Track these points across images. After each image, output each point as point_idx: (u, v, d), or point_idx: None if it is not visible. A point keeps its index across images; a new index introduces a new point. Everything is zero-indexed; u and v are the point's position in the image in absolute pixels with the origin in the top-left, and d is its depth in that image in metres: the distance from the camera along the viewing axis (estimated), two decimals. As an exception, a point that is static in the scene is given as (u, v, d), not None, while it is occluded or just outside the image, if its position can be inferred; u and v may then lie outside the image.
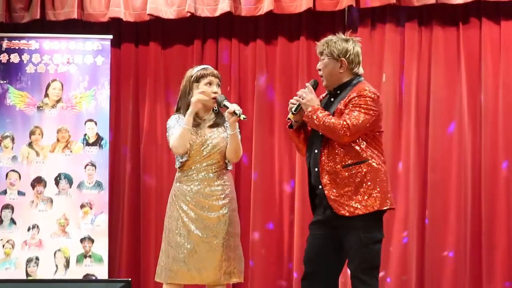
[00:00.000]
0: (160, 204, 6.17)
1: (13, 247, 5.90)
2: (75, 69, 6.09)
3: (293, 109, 4.05)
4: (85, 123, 6.05)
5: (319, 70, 4.13)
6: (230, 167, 4.45)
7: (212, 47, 6.27)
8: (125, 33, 6.40)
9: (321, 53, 4.12)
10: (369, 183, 3.97)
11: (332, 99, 4.11)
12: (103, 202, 5.99)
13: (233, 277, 4.37)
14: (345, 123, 3.92)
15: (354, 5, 5.83)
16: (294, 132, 4.16)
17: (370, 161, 3.99)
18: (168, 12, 6.11)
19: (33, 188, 5.97)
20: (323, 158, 3.99)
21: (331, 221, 4.01)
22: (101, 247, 5.93)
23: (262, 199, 6.09)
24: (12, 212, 5.94)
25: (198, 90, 4.35)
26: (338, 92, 4.10)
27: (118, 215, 6.25)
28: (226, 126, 4.40)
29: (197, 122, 4.39)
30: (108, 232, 6.00)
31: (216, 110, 4.45)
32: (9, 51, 6.05)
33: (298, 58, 6.11)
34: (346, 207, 3.94)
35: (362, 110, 3.96)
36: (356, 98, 3.99)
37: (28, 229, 5.92)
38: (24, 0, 6.24)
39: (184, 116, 4.37)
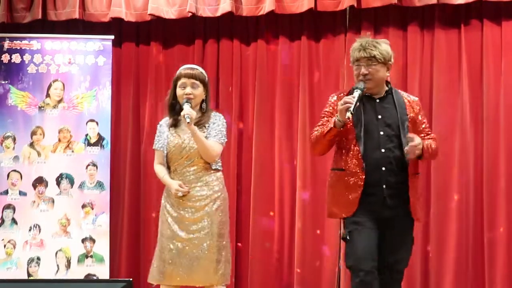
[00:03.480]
0: (161, 204, 6.17)
1: (14, 247, 5.91)
2: (76, 69, 6.09)
3: (351, 109, 3.99)
4: (86, 123, 6.05)
5: (366, 74, 4.12)
6: (215, 167, 4.44)
7: (213, 47, 6.27)
8: (126, 33, 6.40)
9: (373, 58, 4.12)
10: (420, 193, 4.27)
11: (378, 101, 4.18)
12: (105, 202, 5.99)
13: (219, 279, 4.36)
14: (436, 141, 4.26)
15: (355, 5, 5.83)
16: (337, 131, 4.10)
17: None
18: (169, 12, 6.11)
19: (35, 188, 5.97)
20: (408, 160, 4.11)
21: (389, 220, 4.10)
22: (103, 247, 5.93)
23: (262, 197, 6.09)
24: (14, 212, 5.94)
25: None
26: (384, 94, 4.20)
27: (119, 215, 6.25)
28: (208, 126, 4.41)
29: (176, 123, 4.42)
30: (109, 232, 6.00)
31: (203, 109, 4.46)
32: (11, 51, 6.05)
33: (299, 58, 6.10)
34: (418, 213, 4.17)
35: (428, 124, 4.32)
36: (422, 110, 4.29)
37: (30, 229, 5.92)
38: (25, 0, 6.25)
39: (169, 117, 4.48)
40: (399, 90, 4.35)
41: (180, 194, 4.37)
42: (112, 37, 6.15)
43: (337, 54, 6.05)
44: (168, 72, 6.32)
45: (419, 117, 4.23)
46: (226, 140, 4.49)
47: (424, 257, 5.81)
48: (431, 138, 4.25)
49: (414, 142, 4.05)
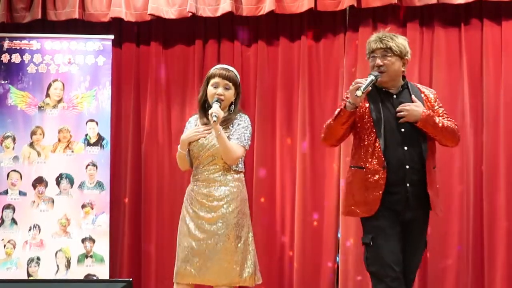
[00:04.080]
0: (161, 204, 6.18)
1: (14, 247, 5.90)
2: (76, 69, 6.09)
3: (361, 88, 3.95)
4: (86, 123, 6.04)
5: (381, 66, 4.06)
6: (235, 168, 4.40)
7: (214, 47, 6.27)
8: (126, 33, 6.40)
9: (389, 49, 4.07)
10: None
11: (395, 97, 4.12)
12: (104, 202, 5.98)
13: (232, 281, 4.35)
14: (457, 127, 4.15)
15: (355, 5, 5.83)
16: (348, 115, 4.04)
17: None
18: (169, 12, 6.11)
19: (34, 188, 5.96)
20: (427, 157, 4.04)
21: (409, 222, 4.06)
22: (102, 247, 5.93)
23: (264, 198, 6.10)
24: (14, 212, 5.94)
25: (194, 129, 4.40)
26: (401, 89, 4.14)
27: (119, 215, 6.25)
28: (232, 127, 4.38)
29: (206, 121, 4.39)
30: (109, 232, 6.00)
31: (231, 111, 4.43)
32: (11, 51, 6.05)
33: (299, 58, 6.10)
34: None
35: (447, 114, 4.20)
36: (438, 100, 4.20)
37: (29, 229, 5.92)
38: (25, 0, 6.24)
39: (199, 115, 4.43)
40: (414, 83, 4.31)
41: (201, 129, 4.36)
42: (112, 37, 6.15)
43: (337, 53, 6.05)
44: (168, 72, 6.32)
45: (435, 107, 4.15)
46: (249, 143, 4.42)
47: (423, 257, 5.80)
48: (449, 121, 4.16)
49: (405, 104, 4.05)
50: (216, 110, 4.24)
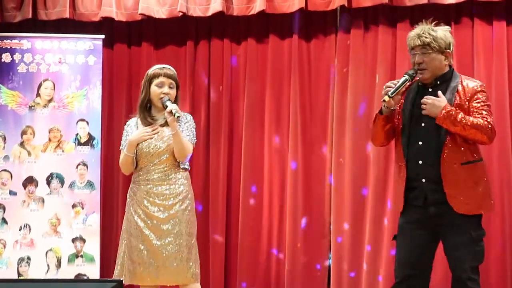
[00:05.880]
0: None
1: (4, 246, 5.90)
2: (67, 69, 6.08)
3: (389, 92, 3.94)
4: (76, 123, 6.03)
5: (421, 63, 4.00)
6: (184, 166, 4.43)
7: (205, 47, 6.26)
8: (117, 33, 6.39)
9: (428, 45, 3.99)
10: (485, 184, 4.00)
11: (430, 90, 4.03)
12: (95, 202, 5.98)
13: (191, 278, 4.35)
14: (490, 125, 3.93)
15: (346, 5, 5.83)
16: (383, 118, 4.03)
17: (483, 161, 4.04)
18: (160, 12, 6.10)
19: (25, 188, 5.95)
20: (445, 152, 3.92)
21: (434, 219, 3.97)
22: (93, 247, 5.92)
23: (252, 199, 6.10)
24: (4, 212, 5.93)
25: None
26: (438, 82, 4.05)
27: (111, 215, 6.24)
28: (179, 125, 4.39)
29: (149, 122, 4.43)
30: (101, 232, 5.99)
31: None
32: (1, 50, 6.03)
33: (290, 58, 6.10)
34: (465, 205, 3.92)
35: (488, 108, 3.99)
36: (479, 94, 3.99)
37: (20, 229, 5.91)
38: (15, -1, 6.25)
39: (138, 118, 4.45)
40: (462, 76, 4.14)
41: (149, 130, 4.39)
42: (103, 36, 6.14)
43: (328, 53, 6.05)
44: (159, 72, 6.31)
45: (473, 103, 3.97)
46: (196, 140, 4.50)
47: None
48: (481, 117, 3.94)
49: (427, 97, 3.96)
50: (175, 107, 4.29)
